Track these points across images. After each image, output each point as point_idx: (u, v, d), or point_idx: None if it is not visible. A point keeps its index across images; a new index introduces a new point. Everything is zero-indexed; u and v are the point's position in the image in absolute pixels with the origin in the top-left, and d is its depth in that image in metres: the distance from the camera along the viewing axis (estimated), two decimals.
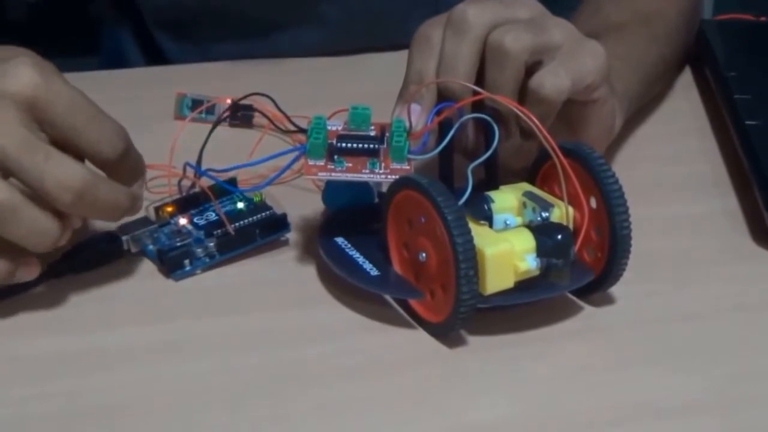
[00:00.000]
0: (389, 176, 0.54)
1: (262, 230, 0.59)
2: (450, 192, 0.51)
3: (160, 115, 0.73)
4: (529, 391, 0.50)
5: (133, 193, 0.54)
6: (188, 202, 0.60)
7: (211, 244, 0.57)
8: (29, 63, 0.50)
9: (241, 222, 0.58)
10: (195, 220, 0.59)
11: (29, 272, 0.53)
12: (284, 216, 0.60)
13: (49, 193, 0.50)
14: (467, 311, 0.50)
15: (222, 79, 0.80)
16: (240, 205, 0.60)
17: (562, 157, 0.53)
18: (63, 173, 0.50)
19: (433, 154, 0.55)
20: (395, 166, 0.55)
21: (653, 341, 0.54)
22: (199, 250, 0.57)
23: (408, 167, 0.55)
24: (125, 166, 0.53)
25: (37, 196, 0.50)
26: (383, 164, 0.55)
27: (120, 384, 0.50)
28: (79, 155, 0.52)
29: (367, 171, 0.55)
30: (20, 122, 0.50)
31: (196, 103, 0.73)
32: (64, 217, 0.52)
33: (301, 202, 0.62)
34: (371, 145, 0.55)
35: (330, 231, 0.57)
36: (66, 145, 0.51)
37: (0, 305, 0.55)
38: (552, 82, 0.56)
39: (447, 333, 0.53)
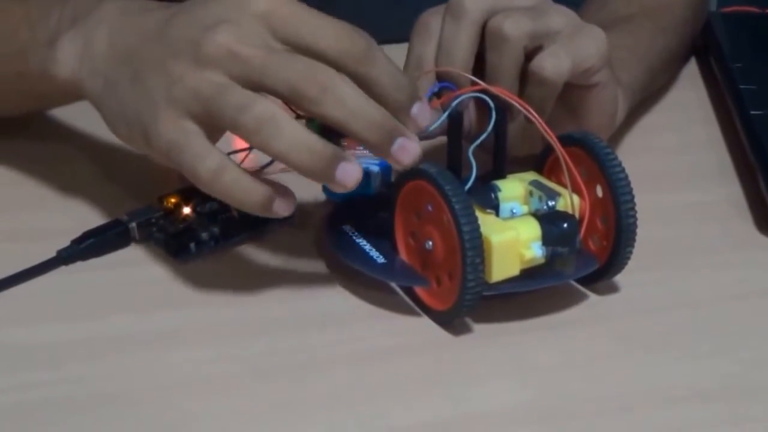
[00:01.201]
0: None
1: None
2: (458, 181, 0.51)
3: None
4: (533, 378, 0.50)
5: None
6: (192, 193, 0.60)
7: (216, 228, 0.58)
8: None
9: None
10: (198, 209, 0.59)
11: (286, 206, 0.52)
12: None
13: (302, 92, 0.50)
14: (473, 299, 0.51)
15: None
16: None
17: (559, 144, 0.53)
18: (309, 69, 0.50)
19: (429, 132, 0.55)
20: None
21: (657, 329, 0.54)
22: (204, 234, 0.58)
23: None
24: (379, 71, 0.51)
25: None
26: None
27: (126, 370, 0.50)
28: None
29: (362, 148, 0.55)
30: (260, 35, 0.51)
31: None
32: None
33: (306, 189, 0.62)
34: None
35: (337, 219, 0.58)
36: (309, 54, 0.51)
37: (8, 292, 0.55)
38: (552, 63, 0.56)
39: (452, 320, 0.53)
